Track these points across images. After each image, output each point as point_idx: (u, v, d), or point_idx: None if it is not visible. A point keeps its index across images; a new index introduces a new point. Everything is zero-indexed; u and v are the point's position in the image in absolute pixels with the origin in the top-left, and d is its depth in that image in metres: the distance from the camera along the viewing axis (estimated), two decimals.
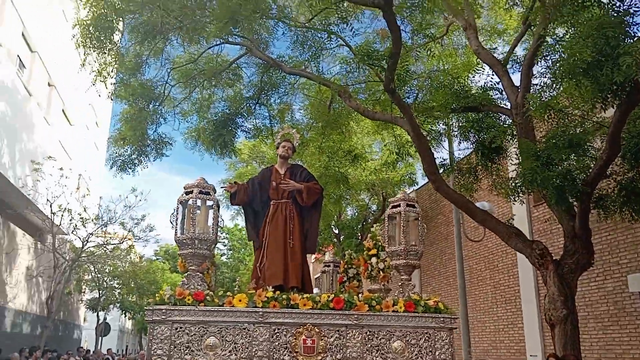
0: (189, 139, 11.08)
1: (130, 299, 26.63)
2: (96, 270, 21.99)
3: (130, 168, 10.05)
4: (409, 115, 8.11)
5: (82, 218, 16.15)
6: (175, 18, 8.45)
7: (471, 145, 9.77)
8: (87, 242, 16.98)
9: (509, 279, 13.58)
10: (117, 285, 25.05)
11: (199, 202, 4.56)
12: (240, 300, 4.13)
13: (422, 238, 4.81)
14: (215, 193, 4.67)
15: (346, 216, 18.61)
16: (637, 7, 6.20)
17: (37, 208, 15.62)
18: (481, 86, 9.38)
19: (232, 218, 21.97)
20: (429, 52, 9.43)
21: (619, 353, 9.93)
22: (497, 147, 9.00)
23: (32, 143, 15.66)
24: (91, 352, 20.38)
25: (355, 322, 4.15)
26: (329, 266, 6.67)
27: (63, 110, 19.46)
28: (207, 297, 4.14)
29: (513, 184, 7.61)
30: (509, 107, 9.03)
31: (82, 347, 23.43)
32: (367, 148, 14.24)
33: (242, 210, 5.83)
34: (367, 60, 7.51)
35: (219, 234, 4.84)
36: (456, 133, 9.77)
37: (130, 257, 22.97)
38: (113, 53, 8.71)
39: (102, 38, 8.30)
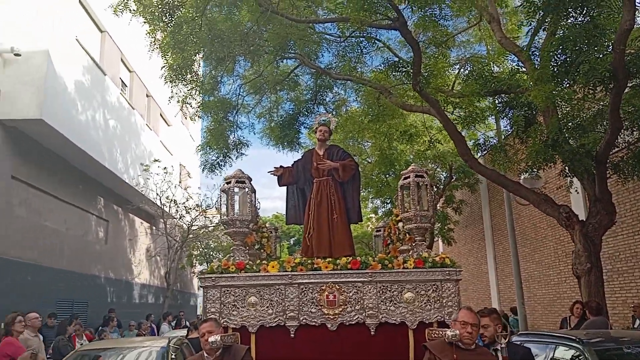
0: (263, 137, 13.20)
1: None
2: (203, 246, 25.09)
3: (218, 169, 12.35)
4: (436, 108, 9.44)
5: (185, 207, 18.98)
6: (237, 45, 10.32)
7: (508, 122, 10.84)
8: (192, 225, 19.83)
9: (569, 235, 14.43)
10: (222, 257, 28.23)
11: (237, 190, 5.12)
12: (273, 267, 4.83)
13: (433, 203, 5.22)
14: (250, 181, 5.18)
15: None
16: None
17: (149, 201, 18.59)
18: (509, 71, 10.39)
19: None
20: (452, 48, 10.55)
21: None
22: (531, 121, 9.88)
23: (139, 148, 18.58)
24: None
25: (369, 278, 4.69)
26: (379, 231, 7.05)
27: (161, 114, 22.38)
28: (247, 266, 4.82)
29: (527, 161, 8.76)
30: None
31: (199, 315, 27.21)
32: (425, 124, 15.33)
33: (286, 193, 6.28)
34: (394, 70, 8.98)
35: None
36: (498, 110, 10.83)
37: None
38: (194, 82, 10.86)
39: (184, 72, 10.40)
